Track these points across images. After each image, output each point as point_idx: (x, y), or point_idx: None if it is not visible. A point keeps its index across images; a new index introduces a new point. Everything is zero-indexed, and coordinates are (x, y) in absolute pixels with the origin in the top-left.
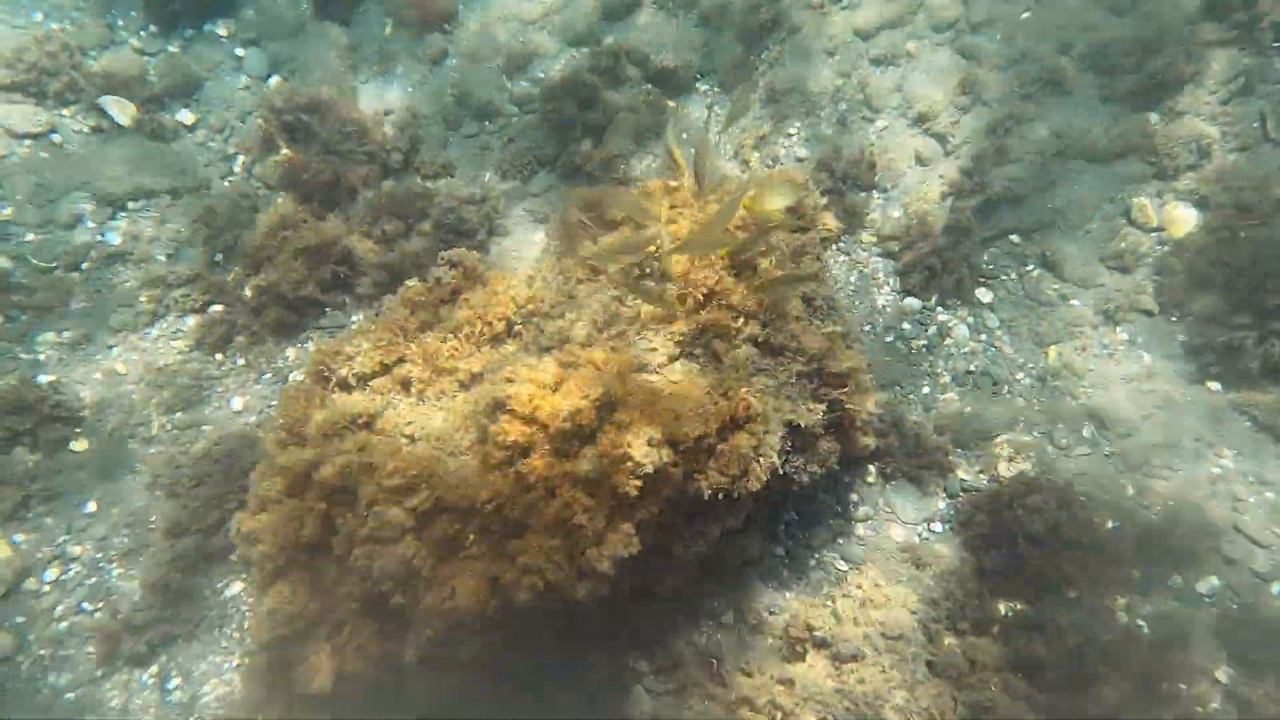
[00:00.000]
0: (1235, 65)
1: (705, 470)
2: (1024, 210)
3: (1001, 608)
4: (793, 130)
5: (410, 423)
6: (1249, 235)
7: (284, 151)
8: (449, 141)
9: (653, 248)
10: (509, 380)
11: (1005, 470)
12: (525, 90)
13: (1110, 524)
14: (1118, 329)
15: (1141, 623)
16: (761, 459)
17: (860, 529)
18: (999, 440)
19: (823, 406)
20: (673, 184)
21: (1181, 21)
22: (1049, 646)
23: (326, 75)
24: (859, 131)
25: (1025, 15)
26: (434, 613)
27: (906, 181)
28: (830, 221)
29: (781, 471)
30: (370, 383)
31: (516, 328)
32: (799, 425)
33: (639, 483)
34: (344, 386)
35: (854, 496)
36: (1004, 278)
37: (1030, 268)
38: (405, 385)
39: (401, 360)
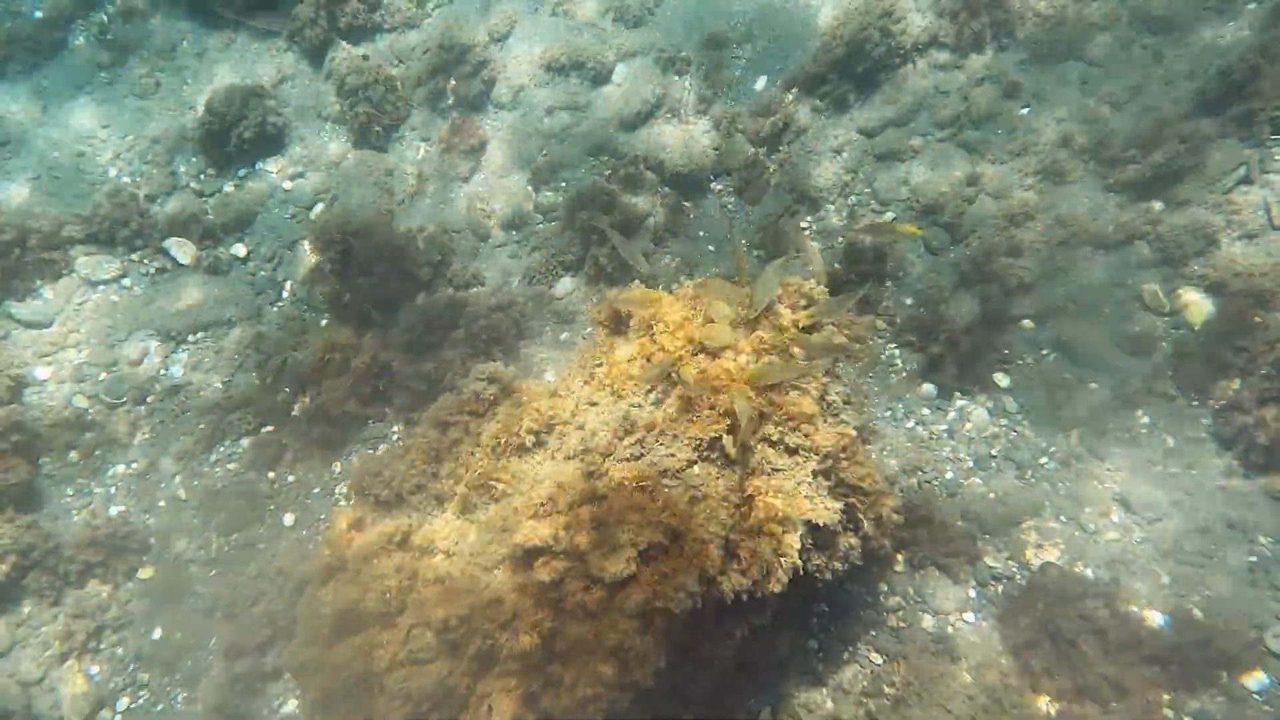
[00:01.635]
0: (1236, 156)
1: (727, 572)
2: (1036, 296)
3: (1043, 705)
4: (804, 225)
5: (445, 538)
6: (1264, 321)
7: (327, 286)
8: (479, 251)
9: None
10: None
11: (1033, 557)
12: (549, 200)
13: (1152, 618)
14: (1138, 412)
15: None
16: (783, 560)
17: (891, 619)
18: (1026, 525)
19: (840, 505)
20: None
21: (1179, 115)
22: None
23: (366, 200)
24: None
25: (1024, 110)
26: None
27: (917, 270)
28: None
29: (803, 571)
30: (408, 499)
31: (543, 436)
32: (818, 524)
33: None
34: (382, 504)
35: (883, 586)
36: (1020, 362)
37: (1046, 352)
38: (440, 500)
39: (435, 477)
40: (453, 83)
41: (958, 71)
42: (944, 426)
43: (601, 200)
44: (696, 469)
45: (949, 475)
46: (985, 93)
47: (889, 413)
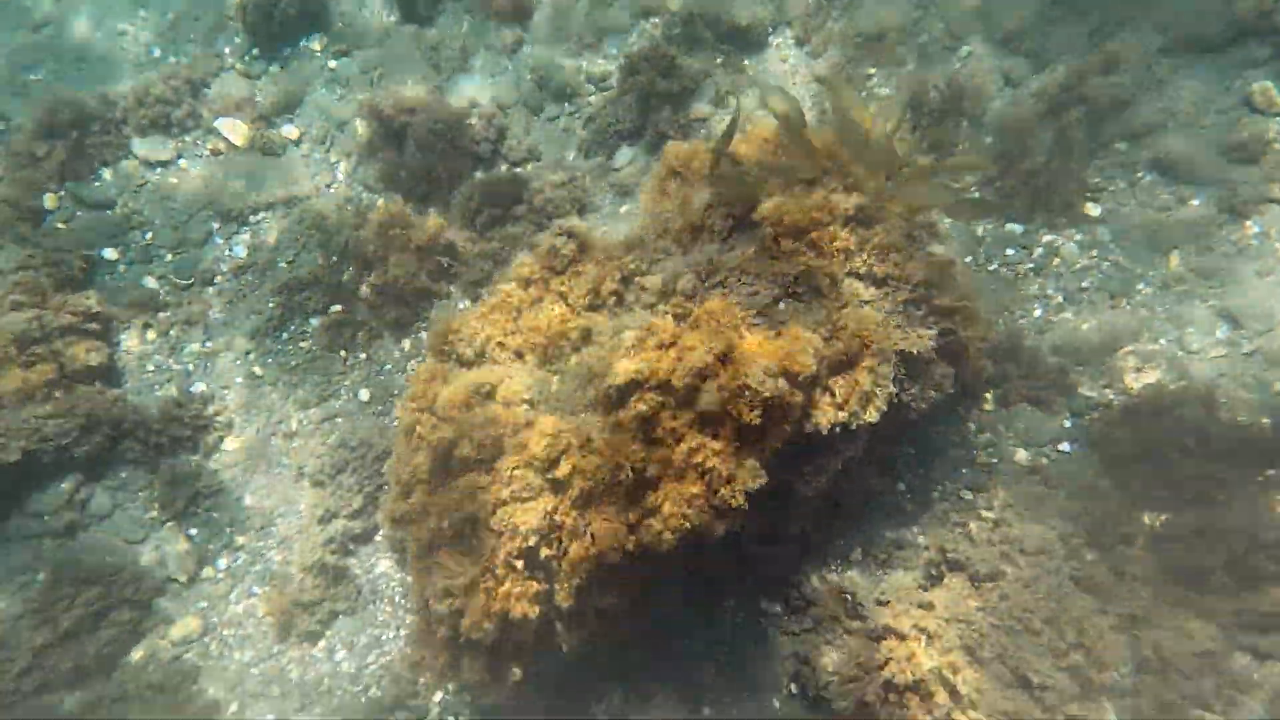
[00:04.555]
0: None
1: (821, 405)
2: (1129, 115)
3: (1146, 519)
4: (872, 69)
5: (529, 386)
6: None
7: (382, 163)
8: (531, 127)
9: None
10: (632, 351)
11: (1133, 381)
12: (602, 68)
13: (1264, 421)
14: (1247, 223)
15: None
16: (879, 390)
17: (982, 456)
18: (1123, 352)
19: (933, 331)
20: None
21: None
22: (1210, 551)
23: (414, 76)
24: (942, 62)
25: None
26: (579, 560)
27: (996, 106)
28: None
29: (897, 400)
30: (487, 353)
31: (624, 295)
32: (912, 353)
33: (758, 413)
34: (463, 362)
35: (971, 425)
36: (1112, 189)
37: (1140, 174)
38: (520, 355)
39: (516, 333)
40: None
41: None
42: (1030, 265)
43: (660, 63)
44: (782, 305)
45: (1037, 313)
46: None
47: (970, 258)
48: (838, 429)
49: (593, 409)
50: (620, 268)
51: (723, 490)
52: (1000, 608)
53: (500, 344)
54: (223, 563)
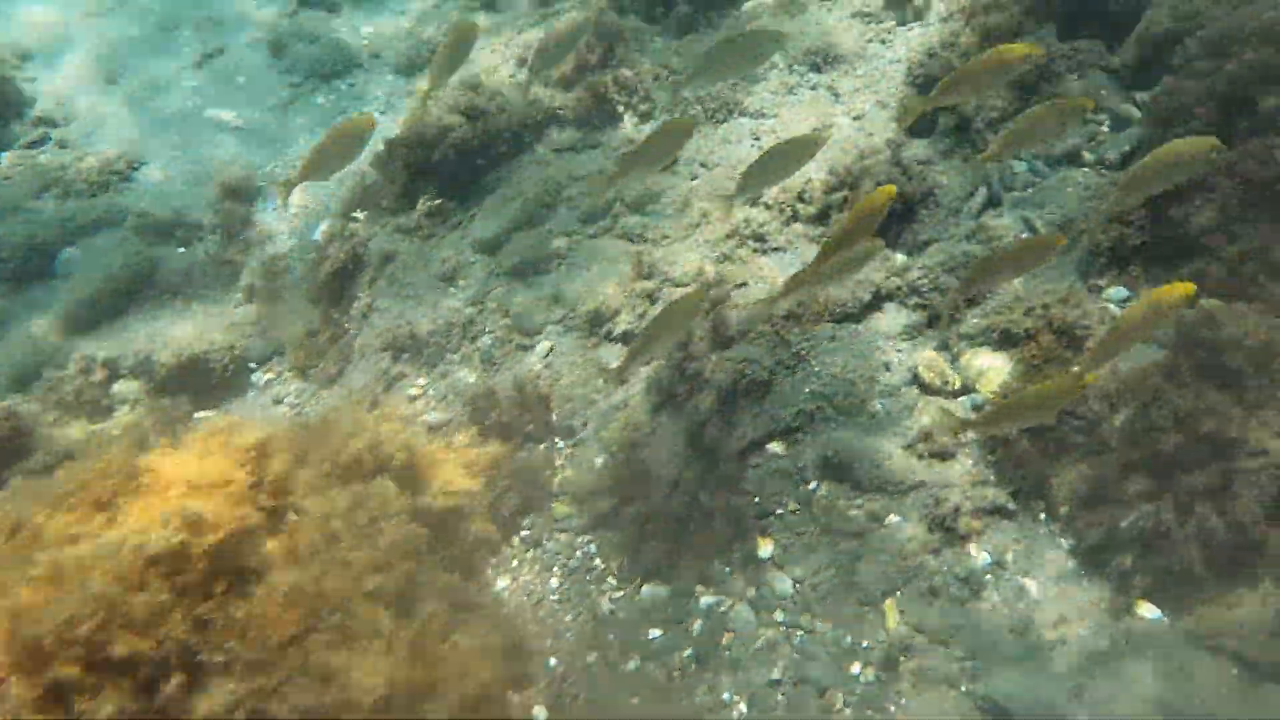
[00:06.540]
0: (966, 178)
1: None
2: (773, 402)
3: None
4: (420, 384)
5: None
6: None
7: None
8: None
9: None
10: None
11: None
12: None
13: None
14: (970, 547)
15: None
16: None
17: None
18: None
19: None
20: None
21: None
22: None
23: None
24: (516, 360)
25: (695, 180)
26: None
27: (594, 413)
28: None
29: None
30: None
31: None
32: None
33: None
34: None
35: None
36: (781, 511)
37: (813, 485)
38: None
39: None
40: None
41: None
42: (689, 650)
43: None
44: None
45: None
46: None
47: (591, 654)
48: None
49: None
50: None
51: None
52: None
53: None
54: None
